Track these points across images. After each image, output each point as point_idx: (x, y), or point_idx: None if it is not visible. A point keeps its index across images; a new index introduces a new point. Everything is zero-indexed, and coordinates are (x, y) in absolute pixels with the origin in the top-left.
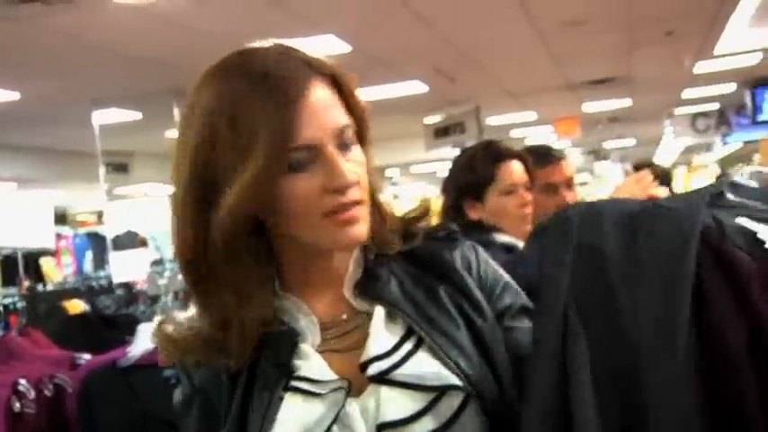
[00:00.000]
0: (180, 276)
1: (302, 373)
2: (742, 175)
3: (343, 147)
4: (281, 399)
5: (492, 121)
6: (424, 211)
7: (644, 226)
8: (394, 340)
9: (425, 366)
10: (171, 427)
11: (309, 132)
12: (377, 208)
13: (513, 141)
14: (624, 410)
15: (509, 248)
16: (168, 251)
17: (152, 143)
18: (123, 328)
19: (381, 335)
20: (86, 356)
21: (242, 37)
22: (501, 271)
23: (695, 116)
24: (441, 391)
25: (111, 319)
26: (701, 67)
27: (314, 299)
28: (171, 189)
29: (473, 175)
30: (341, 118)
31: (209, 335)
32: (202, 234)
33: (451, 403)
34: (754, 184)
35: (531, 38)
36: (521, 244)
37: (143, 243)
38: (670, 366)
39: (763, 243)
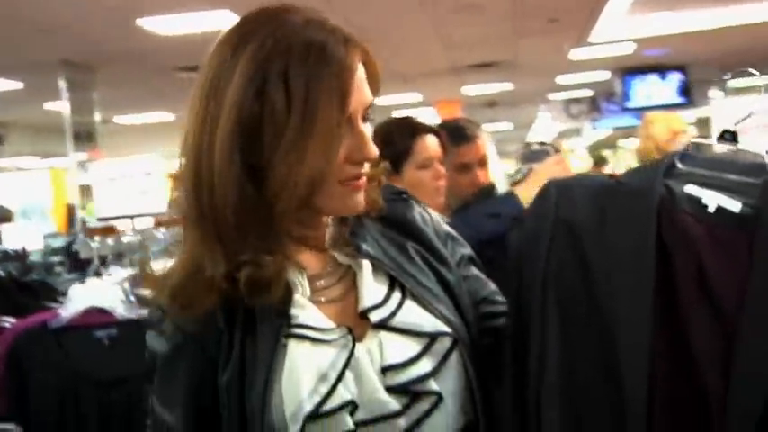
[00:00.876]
0: (109, 241)
1: (302, 320)
2: (690, 148)
3: (365, 120)
4: (285, 346)
5: (378, 101)
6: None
7: (610, 201)
8: (383, 291)
9: (417, 314)
10: (100, 387)
11: (353, 105)
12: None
13: None
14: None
15: None
16: (42, 224)
17: (30, 115)
18: (38, 295)
19: (371, 286)
20: (10, 319)
21: (134, 10)
22: (446, 225)
23: (569, 102)
24: (433, 337)
25: (25, 284)
26: (577, 54)
27: (299, 254)
28: (187, 141)
29: (392, 147)
30: (369, 95)
31: (216, 279)
32: (253, 197)
33: (442, 347)
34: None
35: (426, 22)
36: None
37: (7, 218)
38: (641, 328)
39: (706, 207)
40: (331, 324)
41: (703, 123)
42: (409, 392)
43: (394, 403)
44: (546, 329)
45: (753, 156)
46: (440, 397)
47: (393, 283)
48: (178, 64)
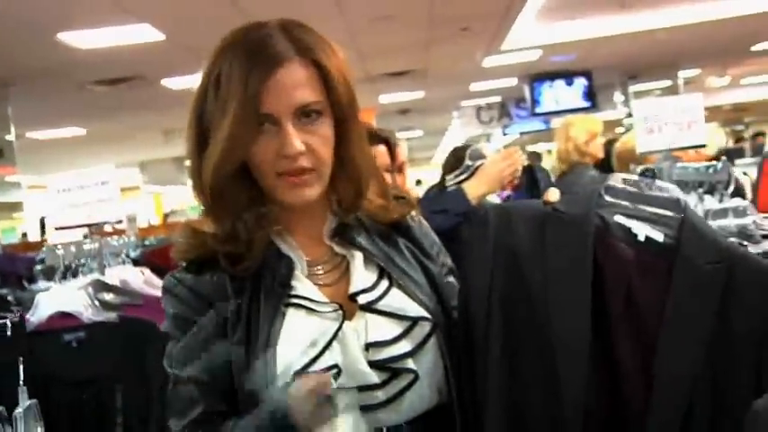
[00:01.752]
0: (72, 249)
1: (300, 292)
2: (614, 180)
3: (306, 121)
4: (284, 313)
5: None
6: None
7: (549, 229)
8: (373, 278)
9: (401, 301)
10: (71, 388)
11: (272, 104)
12: (349, 177)
13: None
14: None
15: None
16: None
17: None
18: None
19: (362, 273)
20: None
21: (54, 25)
22: (434, 235)
23: (480, 108)
24: (414, 321)
25: None
26: (489, 62)
27: (299, 242)
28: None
29: None
30: (307, 97)
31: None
32: (199, 173)
33: (422, 331)
34: (623, 186)
35: (342, 32)
36: None
37: None
38: (580, 343)
39: (636, 236)
40: (325, 299)
41: (609, 126)
42: (389, 369)
43: (374, 376)
44: (489, 343)
45: (668, 191)
46: (416, 376)
47: (382, 273)
48: (96, 78)
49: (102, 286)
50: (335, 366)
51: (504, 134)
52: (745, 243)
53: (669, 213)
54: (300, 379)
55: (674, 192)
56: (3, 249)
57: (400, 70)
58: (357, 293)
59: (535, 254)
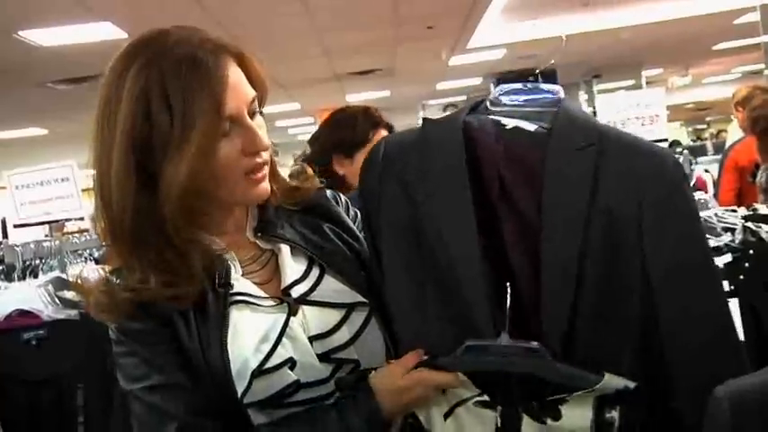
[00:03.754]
0: (32, 246)
1: (240, 290)
2: (500, 92)
3: (252, 115)
4: (228, 313)
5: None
6: (309, 179)
7: (424, 138)
8: (302, 269)
9: (335, 288)
10: (29, 387)
11: (233, 105)
12: (272, 167)
13: (279, 132)
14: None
15: None
16: None
17: None
18: None
19: (291, 266)
20: None
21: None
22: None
23: (446, 107)
24: (350, 308)
25: None
26: (455, 61)
27: (227, 243)
28: (90, 171)
29: (353, 133)
30: (250, 91)
31: (160, 288)
32: (146, 204)
33: (360, 317)
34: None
35: (309, 31)
36: None
37: None
38: (468, 236)
39: (505, 126)
40: (265, 295)
41: None
42: (333, 360)
43: (324, 369)
44: (380, 247)
45: (554, 92)
46: (357, 364)
47: (311, 262)
48: (57, 77)
49: (62, 284)
50: (291, 360)
51: None
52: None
53: (547, 109)
54: (381, 371)
55: (560, 92)
56: None
57: (366, 69)
58: (289, 286)
59: (414, 163)
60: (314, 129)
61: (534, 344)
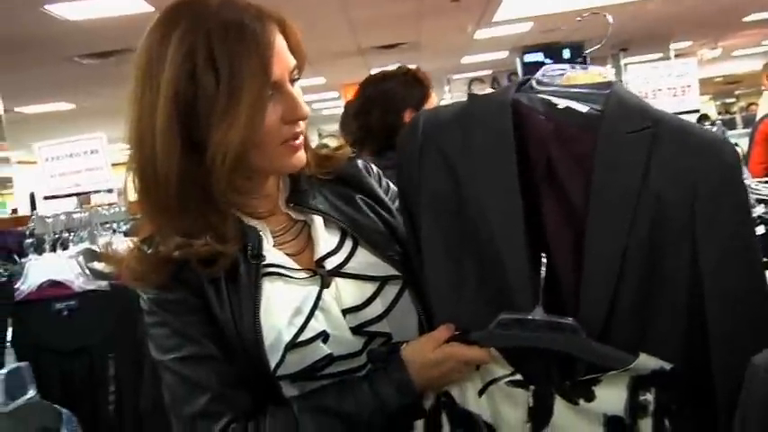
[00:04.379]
0: (62, 218)
1: (273, 261)
2: (544, 74)
3: (292, 83)
4: (262, 285)
5: None
6: (340, 148)
7: (469, 115)
8: (335, 241)
9: (368, 260)
10: (61, 357)
11: (278, 71)
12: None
13: None
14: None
15: None
16: None
17: None
18: None
19: (324, 237)
20: None
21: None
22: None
23: (471, 81)
24: (383, 281)
25: None
26: (481, 34)
27: (260, 213)
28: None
29: (421, 87)
30: (291, 59)
31: (202, 247)
32: (191, 168)
33: (393, 290)
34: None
35: (333, 3)
36: None
37: None
38: (511, 212)
39: (556, 105)
40: (297, 266)
41: None
42: (365, 333)
43: (357, 342)
44: (418, 221)
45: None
46: (389, 338)
47: (344, 234)
48: (84, 51)
49: (92, 255)
50: (324, 334)
51: None
52: None
53: (597, 91)
54: (413, 344)
55: (609, 75)
56: None
57: (391, 43)
58: (323, 258)
59: (458, 141)
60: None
61: (569, 320)
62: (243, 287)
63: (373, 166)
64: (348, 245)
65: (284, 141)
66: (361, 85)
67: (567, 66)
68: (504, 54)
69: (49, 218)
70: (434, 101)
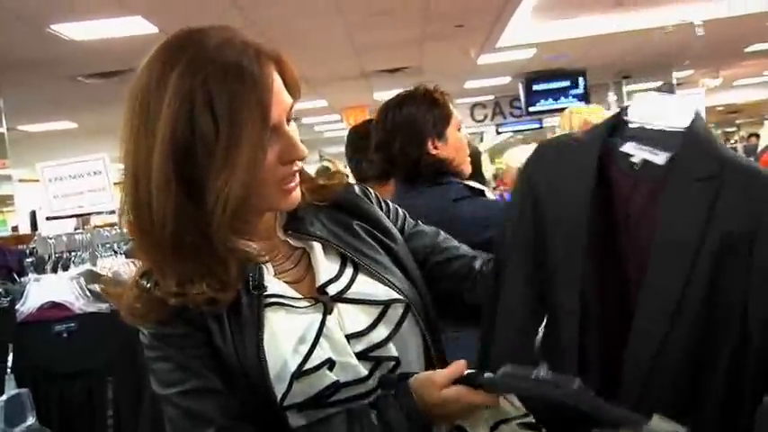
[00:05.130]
0: (64, 239)
1: (274, 291)
2: (634, 104)
3: (289, 122)
4: (264, 315)
5: None
6: (336, 176)
7: (564, 158)
8: (336, 267)
9: (370, 286)
10: (60, 380)
11: (276, 114)
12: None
13: (305, 128)
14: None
15: (477, 191)
16: None
17: None
18: None
19: (324, 264)
20: None
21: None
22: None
23: (474, 106)
24: (386, 305)
25: None
26: (484, 60)
27: (258, 243)
28: (125, 165)
29: (440, 111)
30: (288, 98)
31: (198, 294)
32: (188, 212)
33: (396, 313)
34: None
35: (339, 28)
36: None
37: None
38: (576, 264)
39: (634, 164)
40: (299, 295)
41: None
42: (371, 359)
43: (362, 368)
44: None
45: (687, 102)
46: (398, 361)
47: (344, 260)
48: (88, 71)
49: (93, 277)
50: (330, 361)
51: (498, 133)
52: None
53: (678, 130)
54: (422, 378)
55: (686, 104)
56: None
57: (395, 67)
58: (325, 285)
59: (549, 182)
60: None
61: (576, 380)
62: (245, 319)
63: (370, 190)
64: (349, 270)
65: (281, 181)
66: (379, 112)
67: (654, 93)
68: (506, 79)
69: (51, 238)
70: (457, 120)
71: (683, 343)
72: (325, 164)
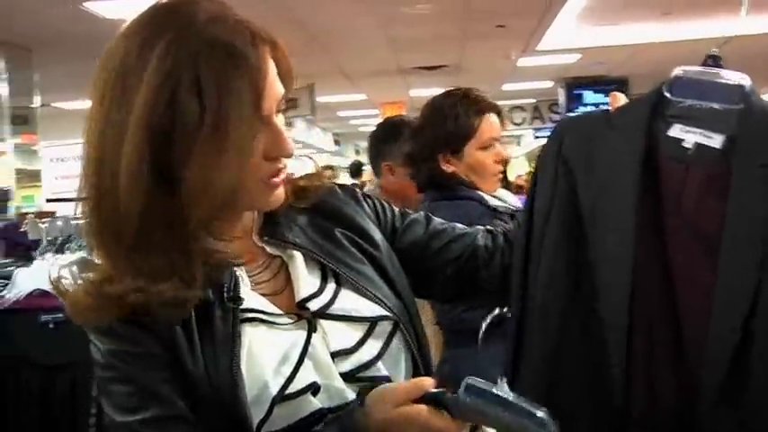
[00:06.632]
0: (59, 223)
1: (251, 305)
2: (685, 71)
3: (277, 114)
4: (241, 331)
5: (322, 99)
6: (318, 176)
7: (600, 144)
8: (317, 279)
9: (354, 301)
10: (43, 371)
11: (267, 104)
12: None
13: (341, 122)
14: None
15: (491, 209)
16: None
17: None
18: None
19: (305, 276)
20: None
21: None
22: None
23: (512, 109)
24: (373, 321)
25: None
26: (524, 62)
27: (234, 251)
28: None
29: (455, 126)
30: (281, 88)
31: (159, 294)
32: (160, 204)
33: (384, 330)
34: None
35: (374, 22)
36: (496, 202)
37: None
38: (624, 268)
39: (688, 149)
40: (279, 310)
41: None
42: (361, 380)
43: (350, 391)
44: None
45: (736, 78)
46: (389, 382)
47: (326, 271)
48: None
49: (86, 265)
50: (314, 385)
51: (536, 137)
52: None
53: (730, 107)
54: (381, 391)
55: (736, 78)
56: (17, 218)
57: (433, 65)
58: (306, 299)
59: (584, 169)
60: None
61: (541, 412)
62: (218, 334)
63: (357, 190)
64: (331, 284)
65: (264, 178)
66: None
67: (697, 69)
68: (548, 84)
69: (43, 222)
70: (487, 137)
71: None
72: (359, 159)
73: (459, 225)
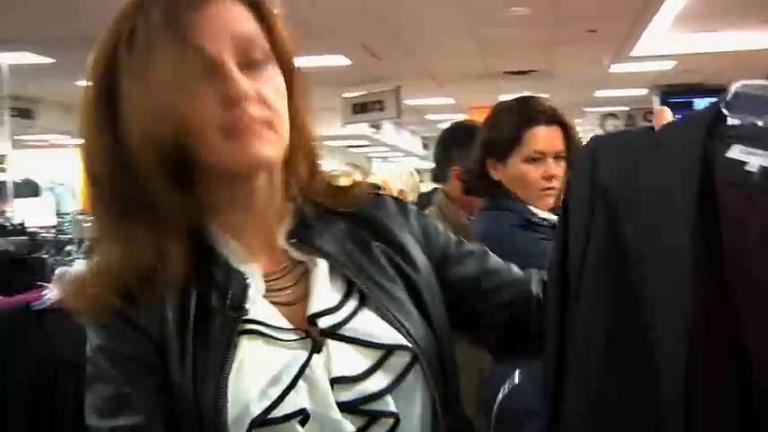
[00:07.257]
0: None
1: (254, 316)
2: (744, 85)
3: (251, 66)
4: (237, 344)
5: (410, 102)
6: (354, 183)
7: (647, 171)
8: (338, 294)
9: (373, 324)
10: (79, 370)
11: (208, 43)
12: (302, 143)
13: (429, 125)
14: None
15: (530, 222)
16: (67, 202)
17: (61, 91)
18: (33, 271)
19: (325, 288)
20: None
21: None
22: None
23: (605, 116)
24: (389, 349)
25: (20, 260)
26: (617, 68)
27: (251, 248)
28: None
29: (497, 133)
30: (245, 29)
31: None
32: (113, 159)
33: (400, 362)
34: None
35: (462, 24)
36: (545, 215)
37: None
38: (680, 316)
39: (751, 173)
40: (288, 325)
41: None
42: (364, 413)
43: (348, 425)
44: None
45: None
46: (397, 420)
47: (351, 287)
48: None
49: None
50: (303, 412)
51: None
52: None
53: None
54: None
55: None
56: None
57: (522, 69)
58: (317, 315)
59: (629, 201)
60: None
61: None
62: (213, 343)
63: (404, 203)
64: (353, 301)
65: (222, 127)
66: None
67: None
68: (642, 91)
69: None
70: (533, 150)
71: None
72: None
73: (515, 268)
